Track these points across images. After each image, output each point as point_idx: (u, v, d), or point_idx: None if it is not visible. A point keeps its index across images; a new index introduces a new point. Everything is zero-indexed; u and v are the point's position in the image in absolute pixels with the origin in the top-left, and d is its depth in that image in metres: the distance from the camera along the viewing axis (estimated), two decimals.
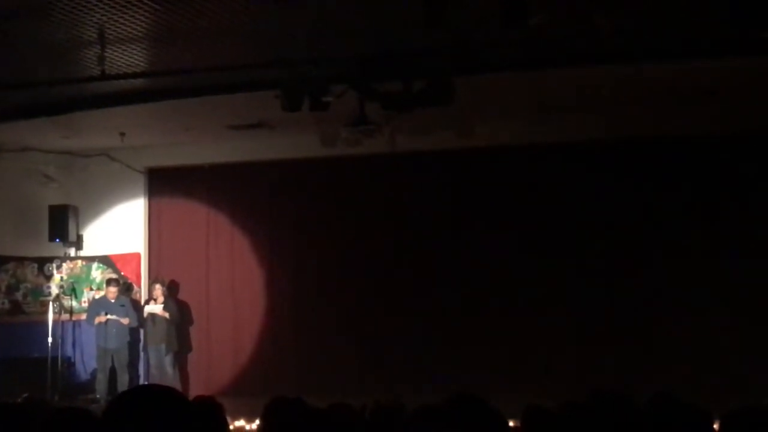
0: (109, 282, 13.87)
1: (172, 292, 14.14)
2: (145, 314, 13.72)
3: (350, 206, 13.94)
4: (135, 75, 10.34)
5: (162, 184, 14.84)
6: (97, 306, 13.79)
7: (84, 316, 14.09)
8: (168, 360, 13.65)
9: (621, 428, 4.18)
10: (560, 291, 12.89)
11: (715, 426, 4.53)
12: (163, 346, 13.62)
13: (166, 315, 13.68)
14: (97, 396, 13.23)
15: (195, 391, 13.17)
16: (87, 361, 14.28)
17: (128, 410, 2.12)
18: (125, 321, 13.51)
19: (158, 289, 13.78)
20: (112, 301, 13.63)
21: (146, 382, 13.06)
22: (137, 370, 14.11)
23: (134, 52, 9.58)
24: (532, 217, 13.17)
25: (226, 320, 14.34)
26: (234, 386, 13.77)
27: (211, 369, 14.26)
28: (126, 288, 14.25)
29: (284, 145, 13.61)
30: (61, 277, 14.60)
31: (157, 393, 2.17)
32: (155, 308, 13.68)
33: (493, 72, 10.53)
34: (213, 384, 13.57)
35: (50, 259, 14.68)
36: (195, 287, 14.46)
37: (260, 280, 14.33)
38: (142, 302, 14.17)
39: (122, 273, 14.51)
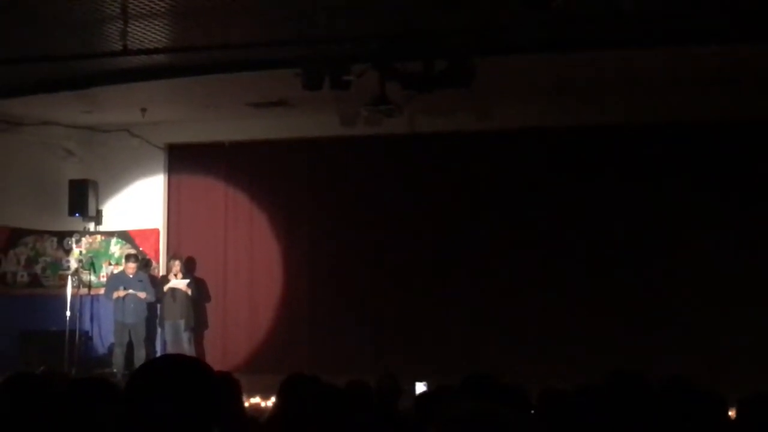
0: (128, 257, 13.91)
1: (189, 268, 14.18)
2: (165, 289, 13.78)
3: (368, 185, 13.93)
4: (157, 51, 10.36)
5: (182, 160, 14.87)
6: (115, 281, 13.85)
7: (102, 291, 14.16)
8: (186, 336, 13.70)
9: (637, 411, 4.18)
10: (578, 274, 12.86)
11: (731, 413, 4.54)
12: (182, 322, 13.66)
13: (189, 291, 13.75)
14: (114, 370, 13.27)
15: None
16: (104, 336, 14.36)
17: (155, 378, 2.13)
18: (142, 295, 13.57)
19: (177, 266, 13.83)
20: (131, 276, 13.70)
21: None
22: (154, 345, 14.17)
23: (156, 27, 9.59)
24: (549, 200, 13.13)
25: (243, 297, 14.38)
26: (249, 363, 13.81)
27: (226, 346, 14.31)
28: (144, 264, 14.30)
29: (304, 123, 13.60)
30: (80, 252, 14.67)
31: (183, 363, 2.19)
32: (180, 283, 13.69)
33: (514, 54, 10.50)
34: (228, 360, 13.60)
35: (69, 234, 14.75)
36: (212, 264, 14.49)
37: (277, 258, 14.36)
38: (160, 278, 14.24)
39: (141, 248, 14.56)
